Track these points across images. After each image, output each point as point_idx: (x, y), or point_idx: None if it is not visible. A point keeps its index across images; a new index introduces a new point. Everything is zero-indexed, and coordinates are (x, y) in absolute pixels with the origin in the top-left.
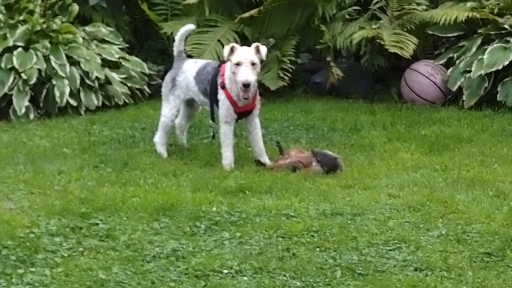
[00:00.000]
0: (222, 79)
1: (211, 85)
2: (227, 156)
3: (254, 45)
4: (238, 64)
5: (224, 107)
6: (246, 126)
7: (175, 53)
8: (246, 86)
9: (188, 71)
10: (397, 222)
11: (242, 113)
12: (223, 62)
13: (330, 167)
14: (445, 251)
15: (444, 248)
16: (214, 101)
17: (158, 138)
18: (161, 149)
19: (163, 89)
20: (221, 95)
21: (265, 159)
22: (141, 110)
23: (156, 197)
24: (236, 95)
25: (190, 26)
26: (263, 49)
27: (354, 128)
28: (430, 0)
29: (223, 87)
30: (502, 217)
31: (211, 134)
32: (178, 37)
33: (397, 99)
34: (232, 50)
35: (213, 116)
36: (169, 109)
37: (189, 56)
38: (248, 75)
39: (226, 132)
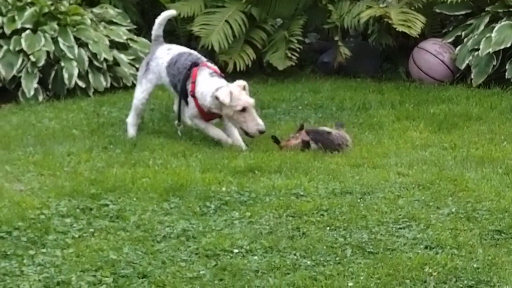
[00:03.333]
0: (193, 88)
1: (181, 85)
2: (217, 134)
3: (242, 85)
4: (243, 110)
5: (192, 111)
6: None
7: (152, 36)
8: (262, 133)
9: (160, 58)
10: (407, 200)
11: (210, 119)
12: (194, 64)
13: (324, 142)
14: (455, 229)
15: (454, 226)
16: (182, 100)
17: (131, 118)
18: (131, 129)
19: (139, 72)
20: (191, 101)
21: (241, 143)
22: None
23: (166, 178)
24: (207, 110)
25: (171, 12)
26: (247, 87)
27: (363, 107)
28: None
29: (193, 96)
30: (511, 195)
31: (179, 133)
32: (158, 21)
33: (405, 78)
34: (231, 95)
35: (180, 117)
36: (141, 92)
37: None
38: (259, 121)
39: (198, 122)
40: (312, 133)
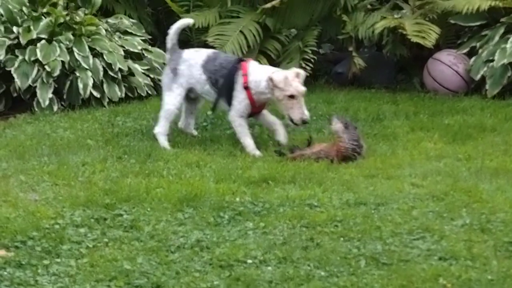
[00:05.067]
0: (245, 80)
1: (226, 80)
2: (249, 143)
3: (296, 72)
4: (292, 97)
5: (242, 105)
6: (257, 118)
7: (169, 45)
8: (305, 123)
9: (192, 59)
10: (421, 211)
11: (258, 112)
12: (241, 59)
13: (351, 137)
14: (469, 240)
15: (468, 237)
16: (224, 95)
17: (162, 128)
18: (164, 140)
19: (165, 80)
20: (241, 93)
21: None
22: None
23: (180, 188)
24: (258, 99)
25: (188, 20)
26: (303, 76)
27: (377, 118)
28: None
29: (246, 88)
30: None
31: (205, 124)
32: (173, 30)
33: (420, 89)
34: (286, 79)
35: (215, 108)
36: (174, 97)
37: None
38: (306, 111)
39: (242, 123)
40: (345, 121)
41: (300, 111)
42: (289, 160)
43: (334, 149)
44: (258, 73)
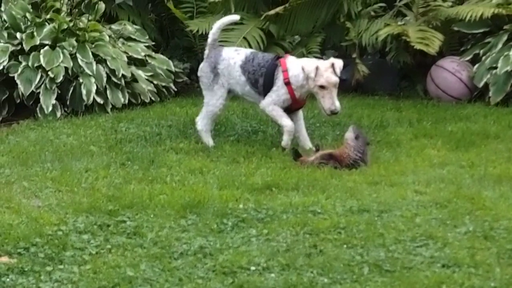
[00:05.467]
0: (286, 76)
1: (265, 78)
2: (287, 123)
3: (330, 63)
4: (322, 87)
5: (282, 99)
6: (291, 117)
7: (209, 40)
8: (334, 113)
9: (231, 58)
10: (424, 218)
11: (299, 107)
12: (279, 56)
13: (361, 140)
14: (472, 248)
15: (472, 244)
16: (265, 92)
17: (204, 126)
18: (207, 137)
19: (204, 80)
20: (282, 89)
21: (309, 143)
22: (167, 108)
23: (183, 194)
24: (299, 95)
25: (235, 17)
26: (339, 66)
27: (380, 125)
28: None
29: (288, 84)
30: None
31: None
32: (217, 25)
33: (423, 96)
34: (317, 69)
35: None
36: (216, 99)
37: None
38: (336, 102)
39: (275, 108)
40: (359, 133)
41: (330, 102)
42: (300, 163)
43: (339, 153)
44: (296, 67)
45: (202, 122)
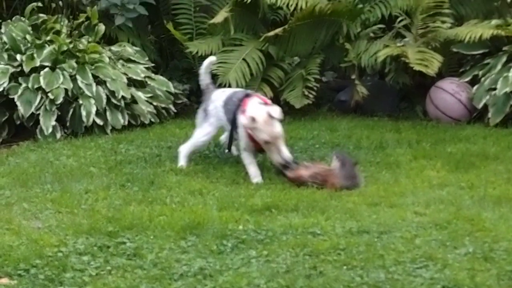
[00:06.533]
0: (245, 119)
1: (231, 118)
2: (253, 172)
3: (267, 112)
4: (267, 143)
5: (244, 141)
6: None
7: (203, 86)
8: (287, 165)
9: (216, 100)
10: (424, 240)
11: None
12: (247, 95)
13: (348, 165)
14: (472, 269)
15: (472, 266)
16: (234, 130)
17: (186, 151)
18: (184, 160)
19: (197, 119)
20: (241, 130)
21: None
22: (167, 129)
23: (183, 216)
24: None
25: (211, 58)
26: (275, 113)
27: (380, 146)
28: (455, 18)
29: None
30: None
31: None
32: (202, 70)
33: (422, 117)
34: (253, 121)
35: (230, 146)
36: (203, 135)
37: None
38: (284, 153)
39: (245, 156)
40: (343, 158)
41: (278, 156)
42: (288, 180)
43: (329, 182)
44: (255, 110)
45: (185, 147)
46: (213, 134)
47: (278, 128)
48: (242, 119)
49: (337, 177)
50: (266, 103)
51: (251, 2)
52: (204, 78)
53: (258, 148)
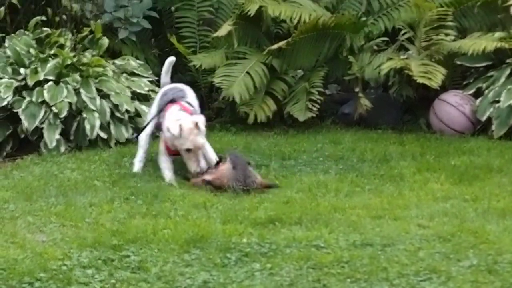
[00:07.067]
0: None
1: (157, 121)
2: (168, 175)
3: (194, 122)
4: (188, 150)
5: (161, 146)
6: None
7: (161, 85)
8: (200, 173)
9: (159, 93)
10: (428, 252)
11: (175, 154)
12: (172, 101)
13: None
14: (476, 282)
15: (475, 278)
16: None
17: (141, 155)
18: (137, 165)
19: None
20: (161, 134)
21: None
22: None
23: (187, 229)
24: (171, 145)
25: (171, 59)
26: (202, 122)
27: (383, 159)
28: (458, 31)
29: (161, 130)
30: None
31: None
32: (164, 70)
33: (426, 130)
34: (180, 129)
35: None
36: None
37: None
38: (201, 162)
39: (160, 161)
40: (236, 161)
41: (196, 164)
42: (192, 184)
43: (219, 182)
44: (169, 119)
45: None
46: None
47: (202, 138)
48: (170, 126)
49: (227, 178)
50: (185, 109)
51: (254, 15)
52: (164, 77)
53: (172, 153)
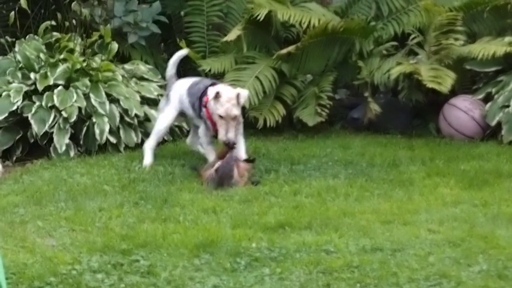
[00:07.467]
0: (206, 99)
1: (198, 101)
2: (212, 156)
3: (236, 93)
4: (221, 117)
5: (207, 125)
6: None
7: (167, 77)
8: (227, 144)
9: (180, 85)
10: (438, 257)
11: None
12: (212, 84)
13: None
14: (486, 287)
15: (485, 283)
16: (198, 115)
17: (150, 144)
18: (150, 154)
19: (160, 105)
20: (204, 112)
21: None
22: (179, 147)
23: (196, 234)
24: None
25: (183, 52)
26: (243, 97)
27: (393, 164)
28: (468, 35)
29: (205, 106)
30: None
31: None
32: (171, 62)
33: (436, 134)
34: (217, 96)
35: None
36: (164, 120)
37: None
38: (230, 133)
39: (203, 141)
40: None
41: (223, 132)
42: (200, 177)
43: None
44: (224, 88)
45: (149, 143)
46: (174, 116)
47: (237, 110)
48: (209, 92)
49: (208, 174)
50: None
51: (264, 20)
52: (171, 70)
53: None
